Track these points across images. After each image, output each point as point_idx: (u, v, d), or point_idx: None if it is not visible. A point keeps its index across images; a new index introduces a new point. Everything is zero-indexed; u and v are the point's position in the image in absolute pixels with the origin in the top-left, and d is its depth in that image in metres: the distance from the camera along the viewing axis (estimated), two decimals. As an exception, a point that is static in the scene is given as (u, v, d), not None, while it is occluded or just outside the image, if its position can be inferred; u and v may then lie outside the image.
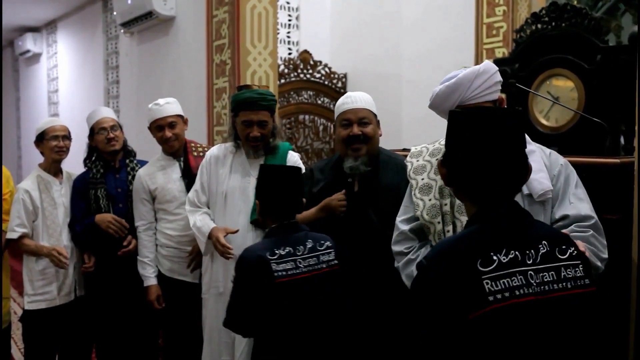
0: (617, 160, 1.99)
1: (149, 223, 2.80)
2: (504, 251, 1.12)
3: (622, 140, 2.49)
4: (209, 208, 2.57)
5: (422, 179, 1.88)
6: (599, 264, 1.60)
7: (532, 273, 1.11)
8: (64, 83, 7.33)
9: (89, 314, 2.85)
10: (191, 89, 4.16)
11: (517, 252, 1.12)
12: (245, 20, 3.59)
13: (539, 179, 1.68)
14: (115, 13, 5.13)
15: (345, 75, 5.39)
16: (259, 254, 1.86)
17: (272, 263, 1.85)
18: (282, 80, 4.84)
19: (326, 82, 5.23)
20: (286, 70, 4.95)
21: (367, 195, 2.21)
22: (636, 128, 1.84)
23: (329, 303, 1.94)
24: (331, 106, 5.04)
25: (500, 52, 4.18)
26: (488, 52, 4.28)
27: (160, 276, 2.77)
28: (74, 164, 3.08)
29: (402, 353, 1.82)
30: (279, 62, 4.71)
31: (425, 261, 1.17)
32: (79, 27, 6.88)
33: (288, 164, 2.50)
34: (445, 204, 1.79)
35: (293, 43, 5.42)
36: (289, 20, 5.39)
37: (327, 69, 5.25)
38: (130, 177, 2.87)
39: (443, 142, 1.42)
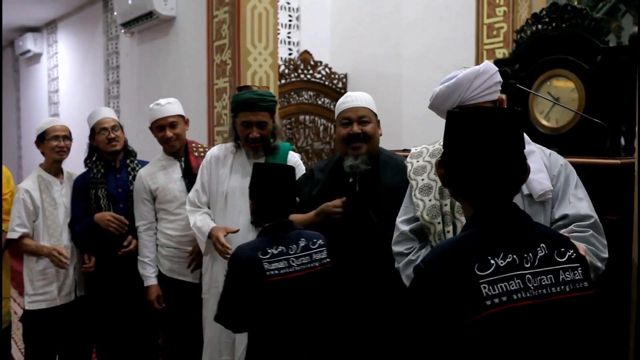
0: (618, 161, 1.99)
1: (150, 223, 2.80)
2: (502, 255, 1.11)
3: (622, 141, 2.50)
4: (209, 208, 2.58)
5: (422, 179, 1.88)
6: (599, 264, 1.60)
7: (530, 277, 1.11)
8: (65, 83, 7.34)
9: (89, 314, 2.85)
10: (191, 89, 4.16)
11: (515, 256, 1.11)
12: (245, 21, 3.59)
13: (539, 179, 1.68)
14: (115, 13, 5.13)
15: (345, 76, 5.39)
16: (250, 254, 1.87)
17: (264, 262, 1.85)
18: (283, 81, 4.85)
19: (326, 83, 5.23)
20: (286, 71, 4.95)
21: (367, 196, 2.21)
22: (636, 129, 1.84)
23: (322, 301, 1.95)
24: (331, 106, 5.04)
25: (501, 53, 4.18)
26: (488, 53, 4.28)
27: (160, 276, 2.77)
28: (74, 164, 3.08)
29: (402, 353, 1.83)
30: (280, 62, 4.72)
31: (422, 265, 1.16)
32: (79, 27, 6.88)
33: (288, 164, 2.50)
34: (446, 205, 1.79)
35: (293, 43, 5.42)
36: (290, 20, 5.39)
37: (327, 69, 5.25)
38: (130, 178, 2.87)
39: (443, 143, 1.41)
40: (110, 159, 2.88)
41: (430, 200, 1.83)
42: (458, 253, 1.12)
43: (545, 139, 2.51)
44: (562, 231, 1.61)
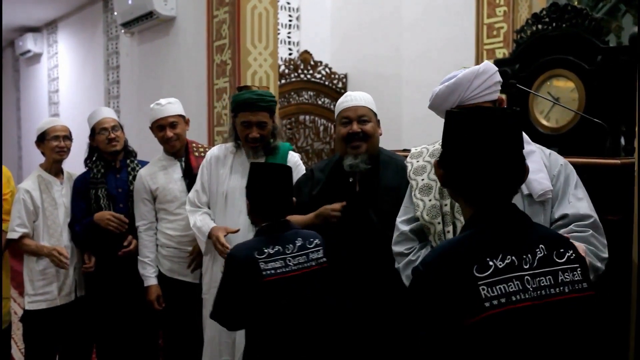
0: (618, 161, 1.99)
1: (150, 223, 2.80)
2: (500, 256, 1.10)
3: (622, 141, 2.50)
4: (209, 208, 2.58)
5: (422, 179, 1.88)
6: (598, 264, 1.60)
7: (529, 278, 1.10)
8: (65, 83, 7.34)
9: (89, 314, 2.85)
10: (191, 89, 4.16)
11: (513, 257, 1.11)
12: (245, 21, 3.59)
13: (539, 179, 1.68)
14: (115, 13, 5.13)
15: (345, 76, 5.39)
16: (247, 253, 1.87)
17: (260, 262, 1.85)
18: (283, 81, 4.85)
19: (326, 83, 5.23)
20: (287, 71, 4.95)
21: (367, 196, 2.21)
22: (636, 129, 1.84)
23: (319, 301, 1.95)
24: (332, 106, 5.04)
25: (501, 53, 4.18)
26: (488, 53, 4.28)
27: (160, 276, 2.77)
28: (74, 164, 3.08)
29: (402, 353, 1.83)
30: (280, 62, 4.71)
31: (421, 267, 1.15)
32: (79, 27, 6.88)
33: (288, 164, 2.50)
34: (446, 205, 1.79)
35: (293, 43, 5.42)
36: (290, 20, 5.39)
37: (327, 70, 5.25)
38: (130, 178, 2.87)
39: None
40: (110, 159, 2.88)
41: (430, 200, 1.83)
42: (456, 255, 1.12)
43: (545, 139, 2.51)
44: (561, 231, 1.61)
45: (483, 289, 1.07)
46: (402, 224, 1.89)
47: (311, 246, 1.97)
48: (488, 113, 1.22)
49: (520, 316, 1.07)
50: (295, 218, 2.19)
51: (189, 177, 2.75)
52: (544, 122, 2.67)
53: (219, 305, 1.91)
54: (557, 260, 1.14)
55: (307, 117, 5.10)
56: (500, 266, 1.09)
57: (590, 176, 1.83)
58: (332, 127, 5.03)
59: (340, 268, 2.13)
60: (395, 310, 2.00)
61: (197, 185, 2.60)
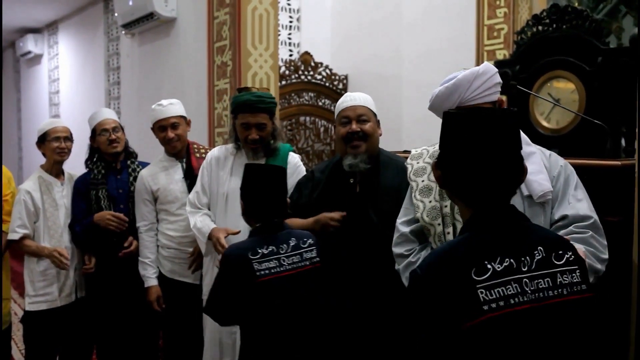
0: (618, 163, 1.98)
1: (151, 224, 2.81)
2: (499, 259, 1.10)
3: (622, 142, 2.50)
4: (209, 209, 2.58)
5: (423, 180, 1.88)
6: (598, 266, 1.60)
7: (527, 280, 1.10)
8: (65, 84, 7.34)
9: (89, 315, 2.85)
10: (192, 90, 4.16)
11: (512, 260, 1.11)
12: (246, 22, 3.60)
13: (539, 180, 1.68)
14: (116, 14, 5.14)
15: (346, 77, 5.39)
16: (241, 253, 1.88)
17: (254, 263, 1.87)
18: (283, 82, 4.85)
19: (327, 84, 5.24)
20: (287, 72, 4.95)
21: (367, 196, 2.21)
22: (637, 130, 1.84)
23: (313, 300, 1.96)
24: (332, 108, 5.04)
25: (501, 54, 4.18)
26: (489, 54, 4.28)
27: (161, 277, 2.77)
28: (75, 165, 3.08)
29: (401, 353, 1.82)
30: (280, 63, 4.72)
31: (419, 270, 1.15)
32: (80, 28, 6.89)
33: (289, 165, 2.50)
34: (446, 206, 1.79)
35: (294, 45, 5.43)
36: (290, 21, 5.40)
37: (327, 71, 5.25)
38: (131, 179, 2.87)
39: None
40: (111, 160, 2.88)
41: (430, 201, 1.83)
42: (454, 258, 1.12)
43: (546, 140, 2.51)
44: (561, 232, 1.61)
45: (481, 292, 1.07)
46: (402, 226, 1.89)
47: (305, 246, 1.99)
48: (484, 113, 1.22)
49: (519, 319, 1.07)
50: (294, 221, 2.20)
51: (190, 178, 2.76)
52: (545, 124, 2.67)
53: (212, 302, 1.93)
54: (555, 262, 1.14)
55: (308, 118, 5.10)
56: (498, 269, 1.09)
57: (590, 177, 1.83)
58: (333, 128, 5.03)
59: (340, 268, 2.13)
60: (395, 311, 2.01)
61: (198, 186, 2.60)
